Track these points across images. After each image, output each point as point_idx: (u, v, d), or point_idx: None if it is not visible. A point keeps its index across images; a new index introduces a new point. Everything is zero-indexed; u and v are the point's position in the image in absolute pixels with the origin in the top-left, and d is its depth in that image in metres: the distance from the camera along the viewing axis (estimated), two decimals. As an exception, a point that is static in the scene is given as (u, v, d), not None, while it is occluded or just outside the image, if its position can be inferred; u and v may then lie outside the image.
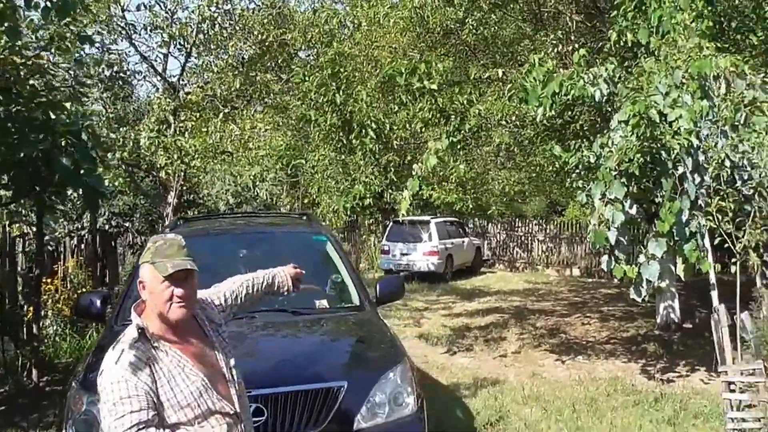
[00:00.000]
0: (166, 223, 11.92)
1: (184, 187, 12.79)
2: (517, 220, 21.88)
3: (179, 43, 11.42)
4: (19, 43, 4.74)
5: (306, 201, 14.77)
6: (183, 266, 2.32)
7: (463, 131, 6.55)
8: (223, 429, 2.35)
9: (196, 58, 11.80)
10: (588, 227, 6.21)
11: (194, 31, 11.06)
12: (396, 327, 10.10)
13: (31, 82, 5.14)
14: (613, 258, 6.29)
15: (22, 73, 4.71)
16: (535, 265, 20.61)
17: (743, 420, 4.96)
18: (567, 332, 10.32)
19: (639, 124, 5.61)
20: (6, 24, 4.13)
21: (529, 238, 21.17)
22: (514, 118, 6.96)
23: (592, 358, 8.60)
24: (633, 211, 6.13)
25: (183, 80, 11.86)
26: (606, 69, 6.21)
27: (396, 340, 4.28)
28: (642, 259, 6.10)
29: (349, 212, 8.41)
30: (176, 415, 2.26)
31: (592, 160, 6.32)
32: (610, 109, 6.60)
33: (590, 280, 18.24)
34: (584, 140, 6.80)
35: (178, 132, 10.33)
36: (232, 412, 2.41)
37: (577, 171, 6.85)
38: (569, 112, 6.74)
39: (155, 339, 2.33)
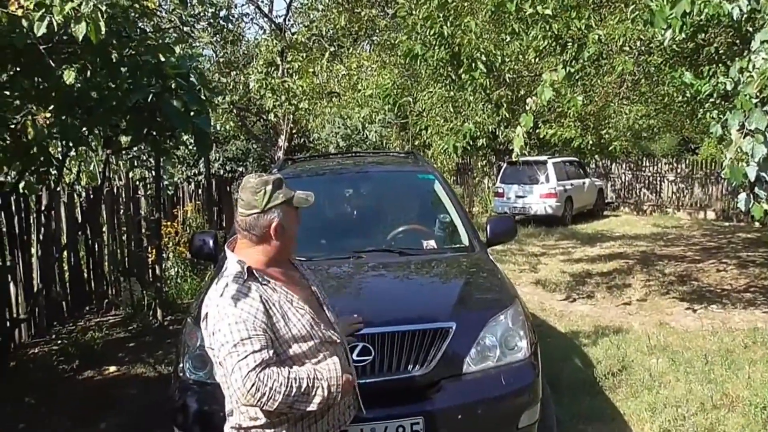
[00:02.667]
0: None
1: (294, 131, 12.92)
2: (644, 159, 20.56)
3: (285, -18, 11.38)
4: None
5: (417, 143, 14.57)
6: (311, 194, 2.37)
7: (581, 60, 6.01)
8: (335, 357, 2.33)
9: (301, -4, 11.72)
10: (723, 162, 5.61)
11: (300, -32, 10.95)
12: (511, 272, 9.81)
13: (140, 25, 5.19)
14: (752, 196, 5.66)
15: (131, 16, 4.73)
16: (665, 207, 19.38)
17: None
18: (699, 279, 9.60)
19: (788, 44, 4.90)
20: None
21: (658, 179, 19.86)
22: (638, 43, 6.31)
23: (727, 308, 7.94)
24: (776, 143, 5.45)
25: (289, 20, 11.87)
26: (746, -18, 5.45)
27: (507, 282, 4.04)
28: (788, 197, 5.45)
29: (460, 153, 8.08)
30: (292, 348, 2.24)
31: (729, 87, 5.62)
32: (750, 29, 5.84)
33: (727, 223, 16.96)
34: (720, 65, 6.06)
35: (285, 73, 10.35)
36: (338, 341, 2.41)
37: (712, 100, 6.16)
38: (702, 34, 6.00)
39: (260, 274, 2.26)
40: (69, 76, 3.81)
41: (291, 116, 11.20)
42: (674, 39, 5.39)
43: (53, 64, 3.93)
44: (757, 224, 15.20)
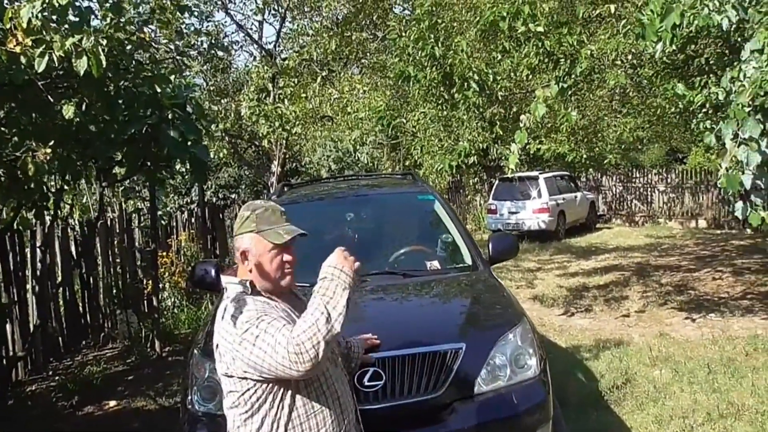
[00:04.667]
0: (271, 191, 12.13)
1: (287, 156, 12.95)
2: (634, 170, 20.70)
3: (273, 9, 11.43)
4: (123, 19, 4.76)
5: (407, 163, 14.62)
6: (296, 232, 2.31)
7: (573, 75, 6.08)
8: (339, 369, 2.40)
9: (290, 22, 11.82)
10: (718, 172, 5.66)
11: (288, -6, 11.03)
12: (508, 289, 9.80)
13: (136, 57, 5.21)
14: (748, 204, 5.71)
15: (127, 48, 4.75)
16: (656, 218, 19.50)
17: None
18: (696, 288, 9.64)
19: (777, 53, 4.97)
20: (110, 1, 4.15)
21: (649, 189, 20.00)
22: (630, 56, 6.39)
23: (726, 316, 7.97)
24: (771, 150, 5.51)
25: (279, 46, 11.94)
26: (735, -7, 5.53)
27: (513, 300, 4.04)
28: (783, 204, 5.50)
29: (453, 172, 8.12)
30: None
31: (721, 97, 5.70)
32: (739, 39, 5.92)
33: (719, 231, 17.07)
34: (711, 76, 6.15)
35: (277, 99, 10.39)
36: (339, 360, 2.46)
37: (704, 110, 6.23)
38: (692, 46, 6.09)
39: (260, 292, 2.29)
40: (68, 111, 3.82)
41: (284, 141, 11.24)
42: (665, 51, 5.46)
43: (51, 99, 3.93)
44: (748, 231, 15.29)
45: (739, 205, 5.80)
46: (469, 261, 4.46)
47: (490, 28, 6.51)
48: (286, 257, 2.31)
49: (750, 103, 5.16)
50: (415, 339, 3.33)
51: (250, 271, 2.30)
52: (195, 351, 3.63)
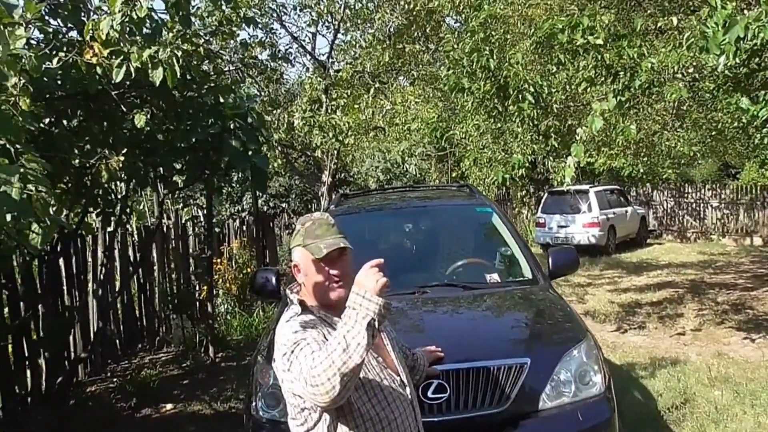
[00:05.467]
0: (322, 202, 12.23)
1: (337, 166, 13.06)
2: (686, 185, 20.23)
3: (327, 21, 11.58)
4: (190, 31, 4.89)
5: (454, 174, 14.58)
6: (336, 245, 2.24)
7: (632, 88, 5.98)
8: (397, 391, 2.29)
9: (343, 34, 11.94)
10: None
11: (341, 6, 11.13)
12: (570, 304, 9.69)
13: (201, 68, 5.35)
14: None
15: (194, 60, 4.88)
16: (709, 234, 19.01)
17: None
18: (754, 307, 9.36)
19: None
20: (180, 13, 4.28)
21: (701, 205, 19.49)
22: (691, 70, 6.27)
23: (787, 337, 7.72)
24: (841, 166, 5.34)
25: (332, 58, 12.07)
26: (803, 4, 5.39)
27: (576, 315, 3.98)
28: None
29: (503, 184, 8.06)
30: None
31: (787, 112, 5.55)
32: (807, 52, 5.75)
33: (776, 249, 16.56)
34: (776, 90, 5.98)
35: (330, 110, 10.50)
36: (398, 381, 2.34)
37: (768, 125, 6.06)
38: (756, 59, 5.94)
39: (317, 310, 2.29)
40: (140, 120, 3.94)
41: (335, 152, 11.35)
42: (727, 65, 5.34)
43: (124, 109, 4.06)
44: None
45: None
46: (529, 275, 4.42)
47: (547, 41, 6.46)
48: (333, 271, 2.25)
49: (819, 117, 5.02)
50: (479, 352, 3.32)
51: (302, 285, 2.33)
52: (259, 358, 3.67)
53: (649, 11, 7.53)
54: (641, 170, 8.74)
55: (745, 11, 5.88)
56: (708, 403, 5.53)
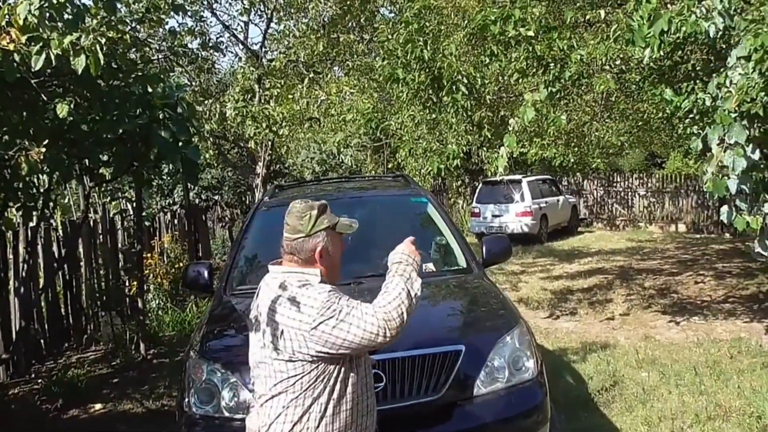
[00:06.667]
0: (257, 194, 12.04)
1: (272, 157, 12.87)
2: (615, 174, 20.91)
3: (259, 9, 11.36)
4: (115, 17, 4.71)
5: (390, 165, 14.62)
6: (356, 222, 2.52)
7: (562, 80, 6.13)
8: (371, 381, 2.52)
9: (276, 23, 11.74)
10: (704, 176, 5.74)
11: (275, -5, 10.97)
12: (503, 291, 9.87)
13: (128, 56, 5.16)
14: (734, 208, 5.79)
15: (120, 48, 4.69)
16: (637, 222, 19.73)
17: None
18: (679, 292, 9.76)
19: (762, 59, 5.05)
20: (103, -2, 4.11)
21: (629, 194, 20.18)
22: (618, 62, 6.47)
23: (709, 319, 8.08)
24: (755, 156, 5.60)
25: (265, 47, 11.87)
26: (721, 1, 5.62)
27: (509, 303, 4.06)
28: (767, 208, 5.59)
29: (439, 174, 8.15)
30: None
31: (708, 103, 5.78)
32: (725, 46, 6.02)
33: (698, 235, 17.31)
34: (698, 82, 6.24)
35: (263, 100, 10.33)
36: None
37: (691, 116, 6.31)
38: (679, 52, 6.18)
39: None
40: (62, 110, 3.76)
41: (269, 143, 11.18)
42: (652, 57, 5.53)
43: (45, 98, 3.87)
44: (727, 235, 15.52)
45: (725, 209, 5.89)
46: (463, 264, 4.47)
47: (480, 32, 6.55)
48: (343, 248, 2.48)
49: (736, 109, 5.25)
50: (414, 341, 3.32)
51: (326, 267, 2.39)
52: (192, 353, 3.59)
53: (578, 4, 7.72)
54: (572, 160, 8.98)
55: (669, 5, 6.09)
56: (636, 385, 5.72)
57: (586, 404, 5.36)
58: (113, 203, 8.40)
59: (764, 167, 6.41)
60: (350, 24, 11.27)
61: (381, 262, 4.37)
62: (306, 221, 2.36)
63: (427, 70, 7.24)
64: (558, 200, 18.05)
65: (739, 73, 5.36)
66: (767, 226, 5.61)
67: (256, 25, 11.89)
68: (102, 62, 3.36)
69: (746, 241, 6.19)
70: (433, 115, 7.79)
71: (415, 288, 2.32)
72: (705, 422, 4.85)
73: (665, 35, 5.61)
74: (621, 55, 6.27)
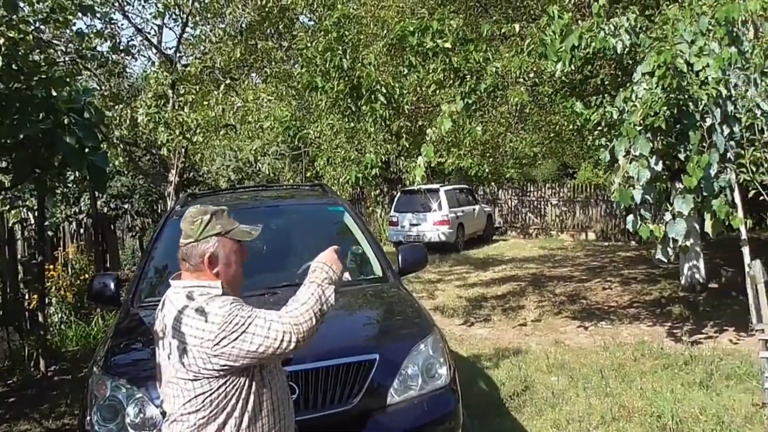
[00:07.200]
0: (169, 202, 11.69)
1: (185, 165, 12.51)
2: (528, 184, 21.55)
3: (174, 13, 11.04)
4: (16, 17, 4.47)
5: (308, 174, 14.56)
6: (259, 229, 2.41)
7: (478, 91, 6.28)
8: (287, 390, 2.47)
9: (192, 28, 11.45)
10: (611, 187, 6.00)
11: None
12: (418, 300, 9.94)
13: (31, 57, 4.91)
14: (638, 217, 6.09)
15: (21, 48, 4.45)
16: (549, 230, 20.37)
17: (781, 379, 4.78)
18: (587, 298, 10.14)
19: (665, 76, 5.36)
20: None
21: (542, 203, 20.83)
22: (532, 75, 6.70)
23: (615, 323, 8.43)
24: (658, 167, 5.91)
25: (180, 52, 11.55)
26: (627, 19, 5.92)
27: (423, 311, 4.10)
28: (668, 217, 5.90)
29: (357, 184, 8.17)
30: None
31: (615, 116, 6.08)
32: (632, 62, 6.34)
33: (606, 243, 18.04)
34: (606, 95, 6.53)
35: (177, 106, 10.05)
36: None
37: (600, 128, 6.60)
38: (589, 67, 6.46)
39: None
40: (-45, 112, 3.53)
41: (183, 150, 10.89)
42: (564, 71, 5.75)
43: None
44: (633, 243, 16.26)
45: (631, 218, 6.19)
46: (379, 272, 4.48)
47: (399, 43, 6.63)
48: (244, 255, 2.37)
49: (641, 122, 5.53)
50: (327, 351, 3.31)
51: (217, 274, 2.30)
52: (95, 369, 3.44)
53: (494, 17, 7.94)
54: (487, 170, 9.20)
55: (580, 22, 6.36)
56: (546, 389, 5.89)
57: (498, 409, 5.47)
58: (13, 212, 7.93)
59: (666, 178, 6.79)
60: (269, 30, 11.15)
61: (296, 271, 4.39)
62: (196, 226, 2.29)
63: (346, 78, 7.26)
64: (474, 209, 18.43)
65: (644, 88, 5.65)
66: (668, 234, 5.90)
67: (170, 29, 11.55)
68: (1, 63, 3.16)
69: (650, 249, 6.53)
70: (352, 124, 7.82)
71: (327, 295, 2.29)
72: (610, 423, 5.05)
73: (576, 50, 5.86)
74: (534, 69, 6.49)
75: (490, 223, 19.69)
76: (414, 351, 3.48)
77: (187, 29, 11.56)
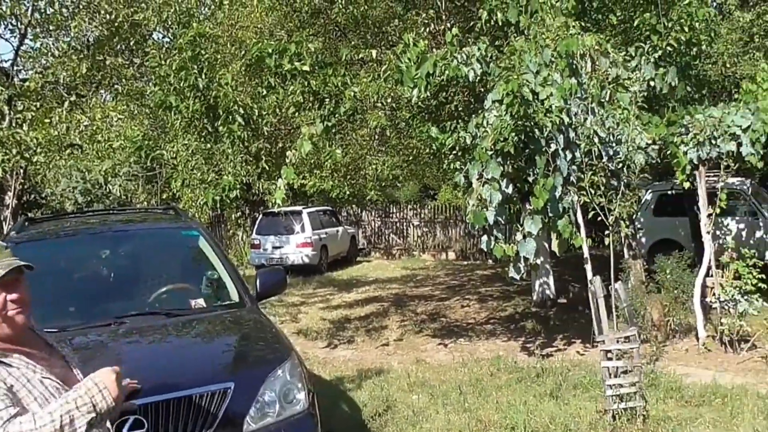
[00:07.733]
0: (5, 227, 10.71)
1: (25, 187, 11.50)
2: (391, 205, 21.94)
3: (11, 24, 10.19)
4: None
5: (165, 196, 13.94)
6: (14, 264, 2.05)
7: (337, 115, 6.33)
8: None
9: (32, 40, 10.61)
10: (467, 208, 6.24)
11: (29, 9, 9.89)
12: (276, 324, 9.74)
13: None
14: (492, 237, 6.37)
15: None
16: (411, 251, 20.80)
17: (620, 386, 5.13)
18: (447, 316, 10.43)
19: (513, 103, 5.67)
20: None
21: (404, 224, 21.27)
22: (389, 100, 6.85)
23: (473, 340, 8.72)
24: (509, 190, 6.24)
25: (18, 65, 10.65)
26: (479, 48, 6.22)
27: (281, 336, 4.02)
28: (519, 237, 6.22)
29: (215, 206, 7.94)
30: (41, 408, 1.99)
31: (468, 141, 6.34)
32: (483, 89, 6.65)
33: (465, 262, 18.67)
34: (460, 121, 6.81)
35: (14, 124, 9.24)
36: None
37: (454, 152, 6.86)
38: (444, 93, 6.73)
39: None
40: None
41: (21, 171, 10.00)
42: (420, 97, 5.92)
43: None
44: (490, 262, 16.99)
45: (485, 238, 6.47)
46: (236, 298, 4.34)
47: (256, 64, 6.55)
48: (12, 296, 2.04)
49: (492, 147, 5.81)
50: (179, 381, 3.19)
51: None
52: None
53: (353, 42, 8.06)
54: (348, 192, 9.28)
55: (435, 50, 6.60)
56: (407, 408, 5.94)
57: (360, 431, 5.44)
58: None
59: (517, 200, 7.17)
60: (119, 46, 10.59)
61: (147, 299, 4.15)
62: None
63: (202, 98, 7.06)
64: (338, 231, 18.50)
65: (494, 115, 5.95)
66: (520, 253, 6.22)
67: (6, 40, 10.59)
68: None
69: (505, 267, 6.87)
70: (209, 145, 7.59)
71: (76, 426, 1.93)
72: (468, 438, 5.17)
73: (431, 77, 6.07)
74: (392, 94, 6.65)
75: (353, 245, 19.83)
76: (271, 377, 3.39)
77: (26, 41, 10.72)
